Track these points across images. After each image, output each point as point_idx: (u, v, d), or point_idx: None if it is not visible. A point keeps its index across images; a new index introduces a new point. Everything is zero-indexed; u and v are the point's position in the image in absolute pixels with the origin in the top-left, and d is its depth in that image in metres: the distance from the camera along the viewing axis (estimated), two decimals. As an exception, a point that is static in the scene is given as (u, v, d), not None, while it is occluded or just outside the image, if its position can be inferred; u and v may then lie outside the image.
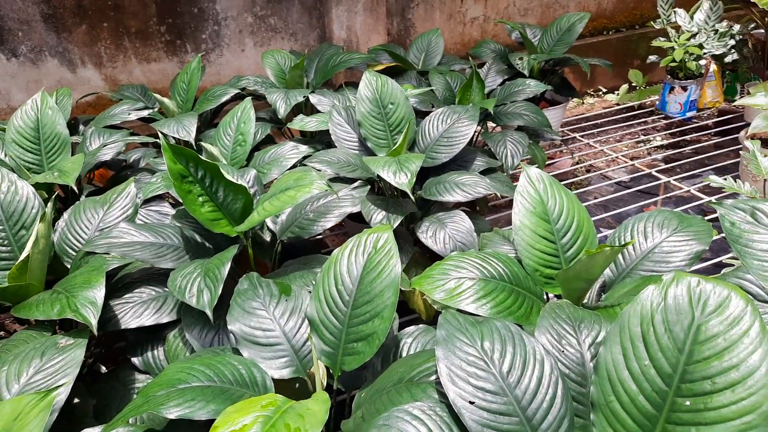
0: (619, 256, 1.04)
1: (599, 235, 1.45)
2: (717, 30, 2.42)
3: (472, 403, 0.65)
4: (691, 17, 2.47)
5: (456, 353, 0.69)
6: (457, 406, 0.64)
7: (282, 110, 1.69)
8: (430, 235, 1.27)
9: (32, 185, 1.18)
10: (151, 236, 1.13)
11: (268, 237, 1.33)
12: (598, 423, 0.62)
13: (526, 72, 2.02)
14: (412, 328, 0.94)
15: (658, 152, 2.56)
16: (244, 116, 1.54)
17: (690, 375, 0.58)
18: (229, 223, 1.13)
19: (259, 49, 2.55)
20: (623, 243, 1.01)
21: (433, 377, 0.74)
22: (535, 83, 1.90)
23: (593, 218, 1.06)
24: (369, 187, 1.35)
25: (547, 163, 2.12)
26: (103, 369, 1.21)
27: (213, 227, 1.10)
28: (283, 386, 0.90)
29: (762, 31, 2.44)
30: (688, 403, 0.57)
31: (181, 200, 1.09)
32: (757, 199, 0.88)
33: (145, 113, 1.78)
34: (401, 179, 1.22)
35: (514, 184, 1.40)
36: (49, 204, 1.07)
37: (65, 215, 1.21)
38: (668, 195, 2.09)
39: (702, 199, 1.87)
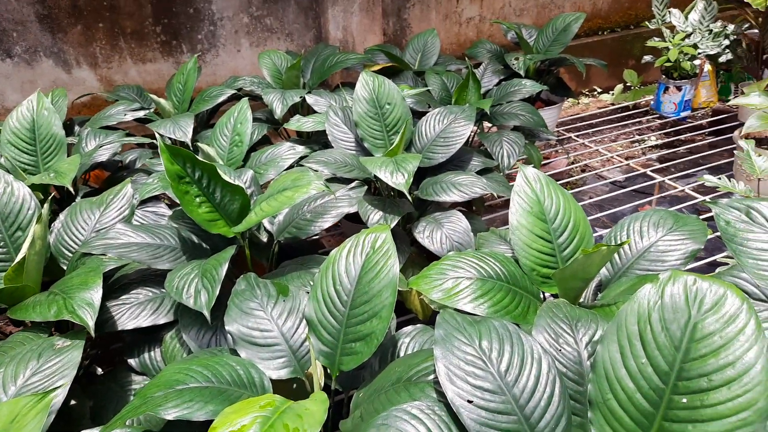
0: (615, 255, 1.04)
1: (594, 235, 1.46)
2: (711, 30, 2.43)
3: (470, 401, 0.65)
4: (686, 17, 2.48)
5: (454, 352, 0.69)
6: (455, 405, 0.64)
7: (279, 111, 1.69)
8: (427, 235, 1.28)
9: (28, 186, 1.18)
10: (147, 237, 1.13)
11: (264, 238, 1.33)
12: (596, 421, 0.62)
13: (522, 72, 2.03)
14: (409, 327, 0.95)
15: (652, 152, 2.57)
16: (240, 117, 1.54)
17: (687, 372, 0.58)
18: (227, 224, 1.12)
19: (255, 50, 2.55)
20: (619, 242, 1.01)
21: (432, 376, 0.74)
22: (531, 83, 1.90)
23: (588, 218, 1.06)
24: (366, 187, 1.36)
25: (542, 163, 2.13)
26: (100, 371, 1.20)
27: (210, 228, 1.10)
28: (280, 387, 0.90)
29: (756, 31, 2.45)
30: (684, 400, 0.58)
31: (178, 201, 1.09)
32: (752, 198, 0.89)
33: (141, 114, 1.77)
34: (398, 179, 1.23)
35: (511, 183, 1.40)
36: (46, 205, 1.06)
37: (61, 216, 1.21)
38: (663, 194, 2.10)
39: (696, 198, 1.87)
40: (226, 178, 1.08)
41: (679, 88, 2.54)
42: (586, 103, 3.15)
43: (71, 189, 1.28)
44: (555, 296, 1.01)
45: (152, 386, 0.78)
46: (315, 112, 1.76)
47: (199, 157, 1.05)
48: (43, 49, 2.21)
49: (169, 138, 1.70)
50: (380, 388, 0.77)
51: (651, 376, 0.60)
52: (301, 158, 1.49)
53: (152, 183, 1.34)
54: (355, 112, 1.48)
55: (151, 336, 1.07)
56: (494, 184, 1.43)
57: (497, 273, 0.97)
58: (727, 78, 2.73)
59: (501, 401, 0.65)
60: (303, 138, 1.85)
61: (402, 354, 0.91)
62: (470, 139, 1.93)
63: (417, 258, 1.40)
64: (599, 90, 3.28)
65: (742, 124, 2.02)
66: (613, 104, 3.06)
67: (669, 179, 2.01)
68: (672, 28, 2.52)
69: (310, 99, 1.76)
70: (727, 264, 1.43)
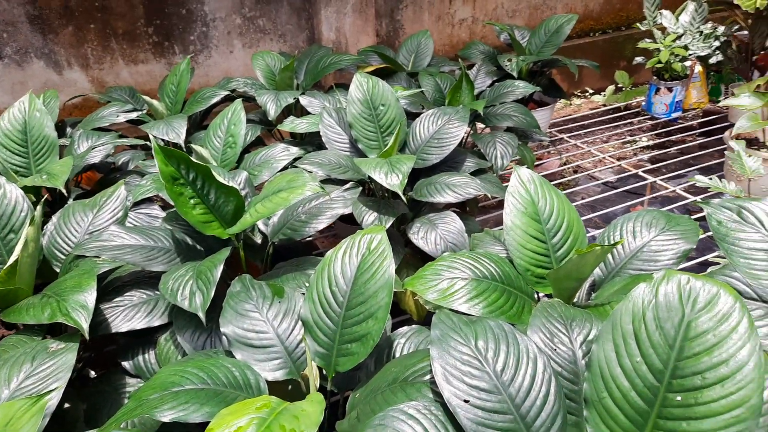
0: (609, 255, 1.05)
1: (587, 236, 1.47)
2: (702, 31, 2.45)
3: (466, 401, 0.65)
4: (677, 19, 2.50)
5: (450, 352, 0.69)
6: (452, 404, 0.65)
7: (272, 112, 1.69)
8: (421, 236, 1.28)
9: (20, 188, 1.17)
10: (141, 239, 1.12)
11: (259, 239, 1.33)
12: (591, 419, 0.63)
13: (514, 73, 2.03)
14: (405, 328, 0.95)
15: (644, 153, 2.59)
16: (234, 118, 1.54)
17: (681, 371, 0.59)
18: (221, 226, 1.12)
19: (247, 51, 2.54)
20: (613, 242, 1.02)
21: (428, 377, 0.75)
22: (524, 85, 1.91)
23: (581, 218, 1.07)
24: (361, 188, 1.36)
25: (535, 163, 2.14)
26: (93, 374, 1.20)
27: (204, 229, 1.09)
28: (276, 388, 0.90)
29: (745, 32, 2.48)
30: (679, 398, 0.58)
31: (172, 203, 1.08)
32: (743, 198, 0.90)
33: (133, 115, 1.77)
34: (393, 180, 1.23)
35: (504, 184, 1.41)
36: (39, 207, 1.06)
37: (54, 218, 1.20)
38: (654, 195, 2.12)
39: (687, 198, 1.89)
40: (220, 179, 1.08)
41: (670, 90, 2.56)
42: (578, 104, 3.17)
43: (64, 191, 1.27)
44: (549, 296, 1.01)
45: (147, 388, 0.77)
46: (308, 113, 1.76)
47: (193, 159, 1.05)
48: (33, 50, 2.19)
49: (162, 139, 1.69)
50: (376, 389, 0.77)
51: (646, 374, 0.61)
52: (295, 160, 1.48)
53: (146, 185, 1.34)
54: (350, 113, 1.49)
55: (145, 338, 1.07)
56: (488, 185, 1.44)
57: (492, 273, 0.97)
58: (718, 79, 2.76)
59: (497, 401, 0.66)
60: (296, 139, 1.85)
61: (398, 355, 0.91)
62: (464, 140, 1.94)
63: (411, 259, 1.41)
64: (591, 91, 3.30)
65: (732, 125, 2.04)
66: (604, 105, 3.08)
67: (660, 180, 2.03)
68: (663, 29, 2.54)
69: (304, 100, 1.76)
70: (718, 264, 1.45)
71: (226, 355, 0.92)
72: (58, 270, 1.13)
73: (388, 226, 1.25)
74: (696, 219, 1.06)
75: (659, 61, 2.43)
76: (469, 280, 0.94)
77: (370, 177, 1.35)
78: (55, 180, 1.27)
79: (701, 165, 2.26)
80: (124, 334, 1.05)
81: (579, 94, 3.29)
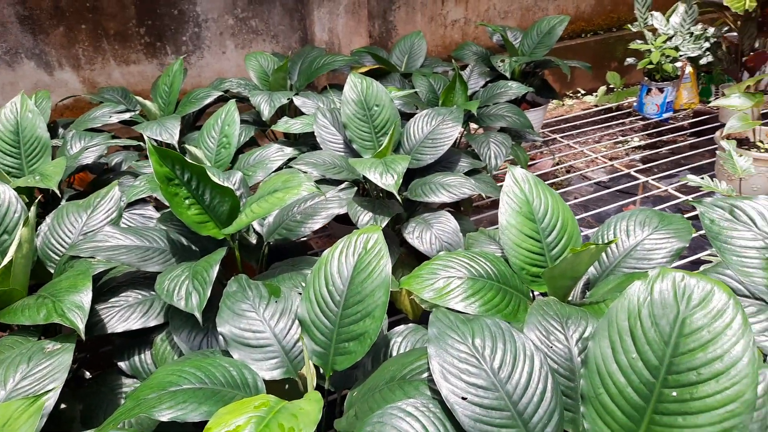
0: (603, 254, 1.06)
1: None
2: (692, 33, 2.48)
3: (464, 398, 0.66)
4: (667, 20, 2.53)
5: (448, 350, 0.70)
6: (450, 402, 0.65)
7: (266, 112, 1.69)
8: (416, 235, 1.28)
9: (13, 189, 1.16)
10: (136, 239, 1.12)
11: (254, 239, 1.33)
12: (588, 415, 0.63)
13: (507, 74, 2.05)
14: (401, 327, 0.95)
15: (636, 153, 2.61)
16: (228, 118, 1.54)
17: (676, 367, 0.60)
18: (216, 226, 1.12)
19: (240, 51, 2.54)
20: (607, 241, 1.03)
21: (425, 375, 0.75)
22: (517, 85, 1.92)
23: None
24: (356, 188, 1.36)
25: (528, 163, 2.15)
26: (88, 375, 1.19)
27: (200, 230, 1.09)
28: (273, 387, 0.90)
29: (735, 34, 2.51)
30: (674, 393, 0.59)
31: (166, 203, 1.08)
32: (735, 197, 0.91)
33: (126, 116, 1.76)
34: (388, 180, 1.23)
35: (498, 184, 1.42)
36: (33, 208, 1.05)
37: (48, 219, 1.19)
38: (646, 194, 2.13)
39: (679, 198, 1.91)
40: (215, 179, 1.08)
41: (661, 90, 2.58)
42: (571, 105, 3.19)
43: (57, 192, 1.26)
44: (544, 295, 1.02)
45: (145, 388, 0.77)
46: (302, 113, 1.76)
47: (187, 159, 1.05)
48: (24, 50, 2.18)
49: (156, 140, 1.69)
50: (374, 387, 0.77)
51: (641, 370, 0.61)
52: (290, 160, 1.49)
53: (139, 185, 1.33)
54: (344, 113, 1.49)
55: (140, 339, 1.06)
56: (482, 185, 1.45)
57: (487, 272, 0.98)
58: (708, 80, 2.79)
59: (495, 397, 0.66)
60: (290, 140, 1.85)
61: (394, 353, 0.91)
62: (458, 141, 1.95)
63: (406, 258, 1.41)
64: (583, 92, 3.32)
65: (722, 125, 2.06)
66: (596, 106, 3.10)
67: (652, 179, 2.04)
68: (654, 30, 2.57)
69: (298, 101, 1.76)
70: (710, 262, 1.46)
71: (223, 354, 0.92)
72: (52, 271, 1.13)
73: (383, 225, 1.25)
74: (688, 218, 1.08)
75: (650, 62, 2.45)
76: (464, 279, 0.94)
77: (365, 177, 1.35)
78: (49, 181, 1.26)
79: (692, 165, 2.28)
80: (120, 334, 1.04)
81: (571, 94, 3.31)
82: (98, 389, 1.00)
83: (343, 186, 1.35)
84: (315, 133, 1.54)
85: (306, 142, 1.70)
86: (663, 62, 2.46)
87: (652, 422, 0.60)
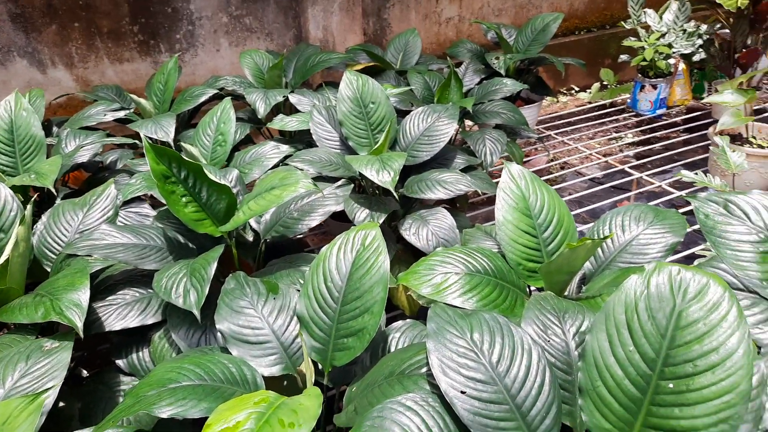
0: (598, 249, 1.07)
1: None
2: (685, 30, 2.49)
3: (463, 392, 0.66)
4: (661, 17, 2.54)
5: (447, 345, 0.70)
6: (449, 396, 0.66)
7: (262, 110, 1.69)
8: (413, 232, 1.29)
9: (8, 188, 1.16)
10: (133, 238, 1.12)
11: (251, 237, 1.33)
12: (586, 407, 0.64)
13: (502, 71, 2.05)
14: (399, 323, 0.96)
15: (629, 149, 2.62)
16: (224, 116, 1.54)
17: (672, 359, 0.60)
18: (213, 223, 1.12)
19: (234, 49, 2.53)
20: (602, 236, 1.04)
21: (424, 369, 0.76)
22: (512, 82, 1.93)
23: (572, 213, 1.09)
24: (352, 185, 1.36)
25: (523, 160, 2.16)
26: (85, 373, 1.19)
27: (197, 227, 1.09)
28: (271, 384, 0.90)
29: (727, 31, 2.52)
30: (671, 385, 0.60)
31: (164, 201, 1.08)
32: (729, 192, 0.92)
33: (121, 114, 1.75)
34: (384, 177, 1.24)
35: (494, 181, 1.43)
36: (29, 206, 1.05)
37: (44, 218, 1.19)
38: (640, 190, 2.15)
39: (673, 193, 1.92)
40: (212, 177, 1.08)
41: (654, 87, 2.60)
42: (565, 102, 3.20)
43: (53, 190, 1.26)
44: (540, 290, 1.03)
45: (144, 385, 0.77)
46: (297, 111, 1.76)
47: (184, 157, 1.05)
48: (16, 48, 2.17)
49: (151, 138, 1.68)
50: (373, 382, 0.78)
51: (638, 363, 0.62)
52: (286, 157, 1.49)
53: (135, 183, 1.33)
54: (340, 111, 1.49)
55: (138, 336, 1.06)
56: (478, 182, 1.45)
57: (485, 268, 0.98)
58: (701, 76, 2.81)
59: (493, 391, 0.67)
60: (286, 137, 1.85)
61: (393, 349, 0.92)
62: (453, 138, 1.95)
63: (403, 255, 1.42)
64: (577, 89, 3.33)
65: (715, 121, 2.08)
66: (590, 102, 3.11)
67: (646, 175, 2.06)
68: (647, 27, 2.58)
69: (294, 98, 1.76)
70: (704, 257, 1.47)
71: (222, 351, 0.92)
72: (48, 270, 1.12)
73: (380, 222, 1.26)
74: (682, 213, 1.09)
75: (644, 59, 2.47)
76: (462, 274, 0.95)
77: (361, 174, 1.35)
78: (44, 179, 1.26)
79: (686, 161, 2.29)
80: (118, 332, 1.04)
81: (565, 91, 3.32)
82: (96, 387, 1.00)
83: (339, 183, 1.36)
84: (311, 131, 1.54)
85: (302, 140, 1.70)
86: (656, 59, 2.47)
87: (649, 414, 0.60)
